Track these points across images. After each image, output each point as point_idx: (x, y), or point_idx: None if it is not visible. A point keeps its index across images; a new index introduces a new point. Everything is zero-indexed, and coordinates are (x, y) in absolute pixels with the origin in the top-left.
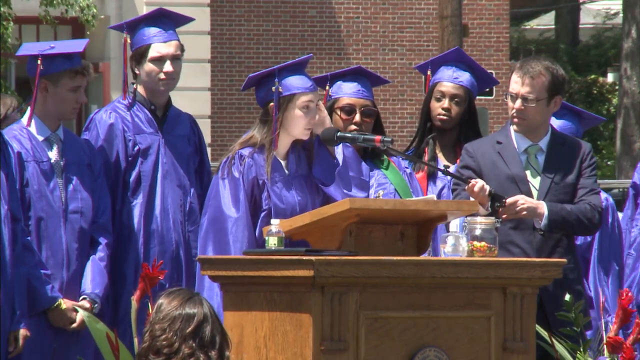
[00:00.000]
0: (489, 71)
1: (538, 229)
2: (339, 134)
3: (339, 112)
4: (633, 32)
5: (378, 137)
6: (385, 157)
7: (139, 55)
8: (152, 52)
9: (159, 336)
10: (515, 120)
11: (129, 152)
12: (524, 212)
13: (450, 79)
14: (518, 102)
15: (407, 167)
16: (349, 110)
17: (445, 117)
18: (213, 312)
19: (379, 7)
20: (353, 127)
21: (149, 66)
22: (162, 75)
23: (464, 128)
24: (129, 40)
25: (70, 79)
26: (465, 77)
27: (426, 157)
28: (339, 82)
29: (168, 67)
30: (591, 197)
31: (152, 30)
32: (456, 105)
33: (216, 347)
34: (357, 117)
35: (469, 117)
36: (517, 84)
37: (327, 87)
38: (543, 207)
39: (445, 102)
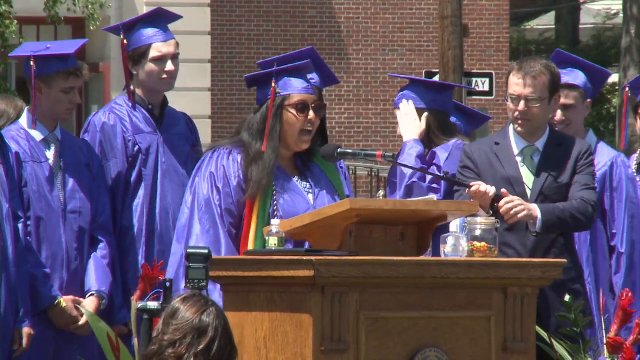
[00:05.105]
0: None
1: (532, 232)
2: (339, 150)
3: (291, 110)
4: (633, 32)
5: (379, 152)
6: None
7: (138, 55)
8: (153, 52)
9: (168, 347)
10: (520, 122)
11: (129, 153)
12: (521, 215)
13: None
14: (522, 104)
15: None
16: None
17: None
18: (225, 322)
19: (379, 7)
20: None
21: (150, 66)
22: (164, 75)
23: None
24: (125, 42)
25: (63, 80)
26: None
27: None
28: (285, 79)
29: (170, 66)
30: (583, 192)
31: (151, 31)
32: None
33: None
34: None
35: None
36: (518, 85)
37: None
38: (536, 210)
39: None
